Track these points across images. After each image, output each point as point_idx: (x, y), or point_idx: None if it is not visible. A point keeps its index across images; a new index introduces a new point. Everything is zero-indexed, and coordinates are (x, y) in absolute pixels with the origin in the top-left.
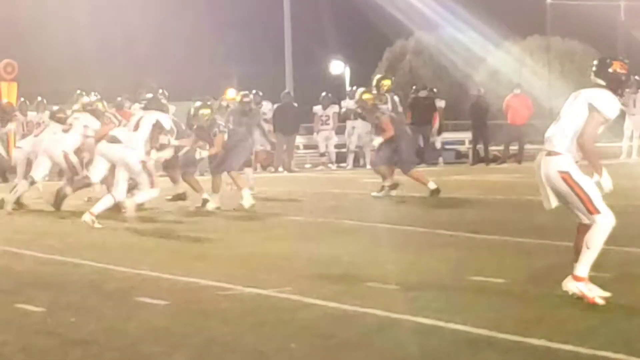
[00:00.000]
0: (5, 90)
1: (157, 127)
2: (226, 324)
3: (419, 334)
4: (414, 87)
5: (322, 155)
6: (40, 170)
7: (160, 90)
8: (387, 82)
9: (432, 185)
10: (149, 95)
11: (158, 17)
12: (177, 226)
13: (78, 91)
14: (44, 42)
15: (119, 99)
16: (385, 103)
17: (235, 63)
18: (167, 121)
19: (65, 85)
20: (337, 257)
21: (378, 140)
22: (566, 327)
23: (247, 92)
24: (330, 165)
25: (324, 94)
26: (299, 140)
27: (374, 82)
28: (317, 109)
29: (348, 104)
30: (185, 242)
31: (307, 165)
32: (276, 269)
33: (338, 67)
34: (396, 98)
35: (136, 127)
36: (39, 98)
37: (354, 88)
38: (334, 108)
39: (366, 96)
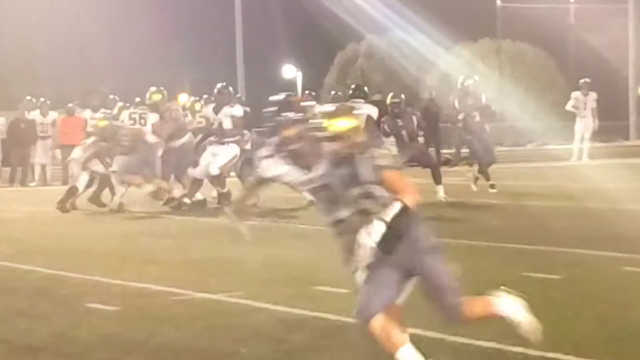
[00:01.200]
0: None
1: None
2: (177, 329)
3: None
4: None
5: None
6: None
7: (112, 96)
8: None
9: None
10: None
11: (110, 23)
12: (128, 231)
13: (28, 97)
14: None
15: (70, 105)
16: None
17: (187, 68)
18: None
19: (15, 91)
20: (288, 261)
21: None
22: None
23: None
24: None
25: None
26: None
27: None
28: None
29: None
30: (136, 248)
31: None
32: (227, 273)
33: (290, 71)
34: None
35: None
36: None
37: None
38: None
39: None
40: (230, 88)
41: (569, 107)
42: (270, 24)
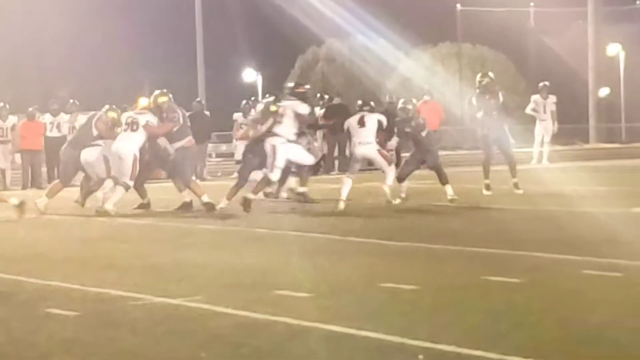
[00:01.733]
0: None
1: None
2: (136, 334)
3: (330, 342)
4: (319, 95)
5: (239, 162)
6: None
7: (72, 100)
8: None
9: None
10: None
11: (68, 26)
12: (88, 237)
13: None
14: None
15: (31, 109)
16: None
17: (147, 71)
18: None
19: None
20: (248, 265)
21: None
22: (476, 332)
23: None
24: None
25: (244, 102)
26: (211, 148)
27: None
28: (237, 116)
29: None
30: (95, 252)
31: (219, 174)
32: (187, 278)
33: (250, 75)
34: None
35: None
36: None
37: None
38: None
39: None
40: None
41: (528, 110)
42: (231, 27)
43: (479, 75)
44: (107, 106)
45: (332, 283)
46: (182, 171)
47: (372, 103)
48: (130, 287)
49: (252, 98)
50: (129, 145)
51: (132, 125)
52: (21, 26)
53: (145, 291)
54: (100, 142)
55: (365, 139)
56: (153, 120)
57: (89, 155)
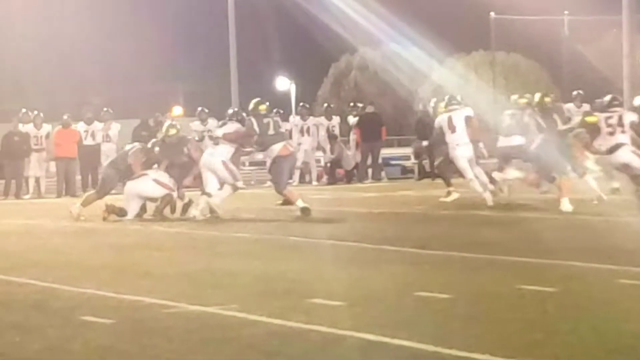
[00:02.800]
0: None
1: None
2: (171, 342)
3: (363, 350)
4: (353, 105)
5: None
6: (212, 185)
7: (105, 109)
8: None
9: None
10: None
11: (102, 36)
12: (123, 244)
13: (23, 110)
14: None
15: (65, 117)
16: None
17: (181, 80)
18: None
19: (6, 105)
20: (282, 273)
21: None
22: (510, 341)
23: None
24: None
25: (275, 110)
26: (245, 157)
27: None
28: None
29: (295, 120)
30: (130, 260)
31: (253, 182)
32: (221, 286)
33: (284, 84)
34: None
35: None
36: None
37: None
38: (286, 125)
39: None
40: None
41: None
42: (264, 36)
43: (538, 95)
44: (137, 144)
45: (366, 291)
46: (278, 179)
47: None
48: (164, 295)
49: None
50: (216, 157)
51: (215, 140)
52: (54, 35)
53: (180, 299)
54: (147, 171)
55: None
56: (230, 129)
57: (140, 188)
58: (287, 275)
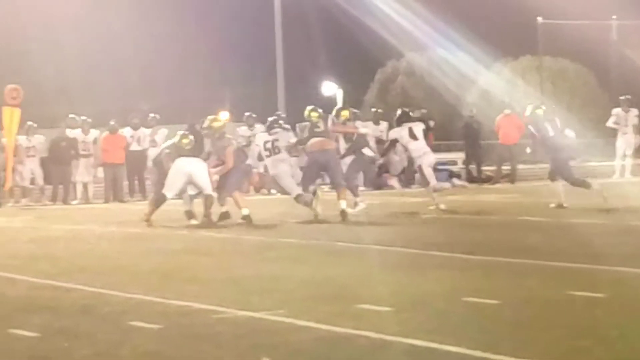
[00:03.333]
0: (8, 115)
1: None
2: (219, 348)
3: (411, 356)
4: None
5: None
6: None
7: (152, 115)
8: (345, 113)
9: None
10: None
11: (149, 41)
12: (170, 249)
13: (71, 115)
14: (32, 68)
15: (112, 123)
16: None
17: (228, 85)
18: None
19: (53, 110)
20: (329, 279)
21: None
22: (559, 347)
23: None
24: (323, 187)
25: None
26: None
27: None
28: None
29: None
30: (178, 265)
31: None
32: (269, 291)
33: (330, 89)
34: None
35: None
36: (29, 123)
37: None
38: None
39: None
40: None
41: (610, 123)
42: (311, 41)
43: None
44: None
45: (414, 297)
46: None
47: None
48: (212, 300)
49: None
50: (280, 168)
51: (274, 149)
52: (101, 40)
53: (228, 304)
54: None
55: None
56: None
57: (193, 168)
58: (335, 280)
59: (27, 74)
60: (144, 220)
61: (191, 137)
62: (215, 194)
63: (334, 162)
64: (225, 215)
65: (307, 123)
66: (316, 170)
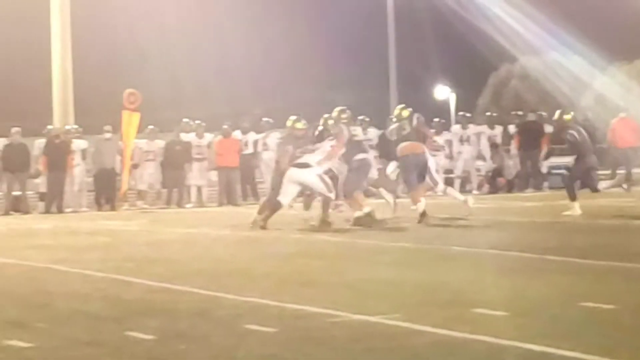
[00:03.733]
0: (127, 119)
1: None
2: (335, 352)
3: None
4: (515, 113)
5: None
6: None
7: (264, 119)
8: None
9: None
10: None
11: (261, 45)
12: (285, 253)
13: (185, 119)
14: (144, 74)
15: (225, 126)
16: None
17: (339, 89)
18: None
19: (166, 115)
20: (444, 283)
21: None
22: None
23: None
24: (436, 190)
25: (436, 119)
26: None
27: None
28: (429, 133)
29: (455, 129)
30: (292, 269)
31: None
32: (384, 295)
33: (443, 92)
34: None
35: None
36: (151, 126)
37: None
38: (446, 135)
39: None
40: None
41: None
42: (423, 44)
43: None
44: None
45: (529, 301)
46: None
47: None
48: (327, 303)
49: (442, 120)
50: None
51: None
52: (213, 44)
53: (343, 308)
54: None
55: None
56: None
57: (304, 176)
58: (450, 285)
59: (140, 81)
60: (259, 226)
61: (304, 121)
62: (332, 196)
63: (425, 165)
64: (362, 221)
65: (396, 126)
66: (418, 172)
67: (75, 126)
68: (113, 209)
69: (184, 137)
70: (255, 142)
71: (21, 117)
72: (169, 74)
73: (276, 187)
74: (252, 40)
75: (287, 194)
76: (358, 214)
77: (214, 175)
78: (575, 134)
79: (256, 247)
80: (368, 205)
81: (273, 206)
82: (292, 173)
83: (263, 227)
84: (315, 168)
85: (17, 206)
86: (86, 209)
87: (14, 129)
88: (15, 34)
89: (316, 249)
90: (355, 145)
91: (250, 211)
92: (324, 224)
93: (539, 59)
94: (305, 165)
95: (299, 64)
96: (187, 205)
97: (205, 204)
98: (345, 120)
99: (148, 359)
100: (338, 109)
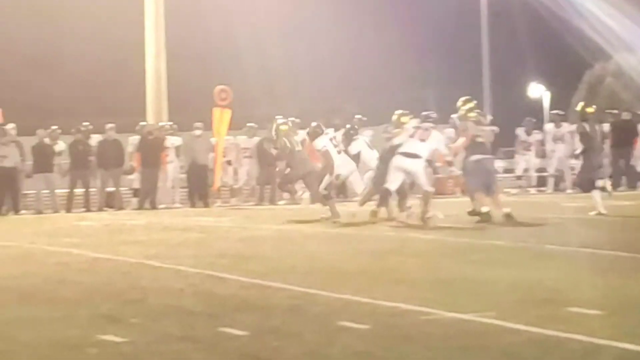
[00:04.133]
0: (218, 116)
1: None
2: (429, 349)
3: None
4: (609, 111)
5: (519, 178)
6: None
7: (358, 116)
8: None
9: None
10: None
11: (354, 42)
12: (377, 250)
13: (278, 117)
14: (237, 70)
15: (314, 124)
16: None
17: (432, 87)
18: None
19: (259, 111)
20: (538, 281)
21: None
22: None
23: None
24: (529, 189)
25: (528, 118)
26: (498, 163)
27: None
28: (520, 131)
29: (548, 127)
30: (385, 266)
31: (511, 190)
32: (477, 293)
33: (536, 90)
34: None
35: None
36: (250, 124)
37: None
38: (538, 136)
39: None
40: None
41: None
42: (517, 42)
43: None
44: None
45: (624, 300)
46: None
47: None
48: (420, 301)
49: (534, 120)
50: None
51: None
52: (305, 41)
53: (436, 306)
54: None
55: None
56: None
57: (410, 165)
58: (544, 283)
59: (233, 77)
60: (370, 221)
61: (411, 115)
62: (432, 190)
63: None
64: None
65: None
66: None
67: (170, 123)
68: (206, 205)
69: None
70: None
71: (115, 114)
72: (262, 71)
73: (380, 177)
74: (344, 38)
75: (394, 180)
76: (484, 209)
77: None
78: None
79: (348, 244)
80: (487, 206)
81: (382, 194)
82: (400, 161)
83: (426, 220)
84: (423, 160)
85: (111, 202)
86: (179, 205)
87: (109, 126)
88: (110, 31)
89: (409, 247)
90: (477, 145)
91: (342, 208)
92: (424, 220)
93: (635, 56)
94: (414, 155)
95: (391, 62)
96: (280, 202)
97: (298, 201)
98: (473, 118)
99: (241, 355)
100: (463, 99)
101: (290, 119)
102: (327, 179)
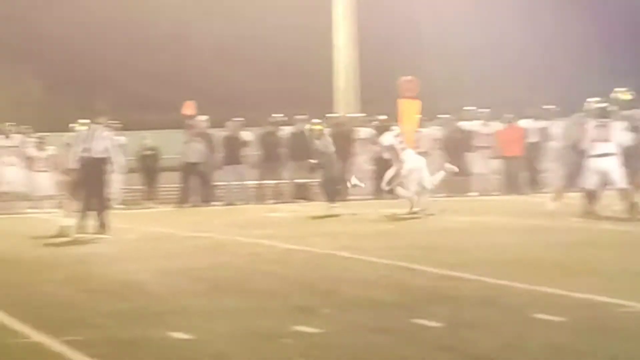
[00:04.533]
0: (406, 107)
1: None
2: (626, 342)
3: None
4: None
5: None
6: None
7: (547, 107)
8: None
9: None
10: None
11: (540, 34)
12: (569, 241)
13: (466, 107)
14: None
15: (507, 115)
16: None
17: (622, 78)
18: None
19: (444, 104)
20: None
21: None
22: None
23: None
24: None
25: None
26: None
27: None
28: None
29: None
30: (578, 258)
31: None
32: None
33: None
34: None
35: None
36: (446, 115)
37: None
38: None
39: None
40: None
41: None
42: None
43: None
44: None
45: None
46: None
47: None
48: (616, 293)
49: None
50: None
51: None
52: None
53: (632, 298)
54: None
55: None
56: None
57: (605, 165)
58: None
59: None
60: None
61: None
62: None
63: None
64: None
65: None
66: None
67: (361, 114)
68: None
69: (465, 125)
70: (541, 131)
71: (306, 105)
72: (449, 64)
73: (573, 174)
74: (535, 29)
75: (589, 179)
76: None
77: (497, 164)
78: None
79: (540, 236)
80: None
81: (588, 193)
82: (596, 163)
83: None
84: (616, 157)
85: (303, 194)
86: (370, 197)
87: (300, 117)
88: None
89: (601, 239)
90: None
91: (534, 200)
92: (635, 212)
93: None
94: (606, 155)
95: (580, 52)
96: (470, 194)
97: (490, 193)
98: None
99: (437, 347)
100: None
101: (481, 110)
102: (390, 173)
